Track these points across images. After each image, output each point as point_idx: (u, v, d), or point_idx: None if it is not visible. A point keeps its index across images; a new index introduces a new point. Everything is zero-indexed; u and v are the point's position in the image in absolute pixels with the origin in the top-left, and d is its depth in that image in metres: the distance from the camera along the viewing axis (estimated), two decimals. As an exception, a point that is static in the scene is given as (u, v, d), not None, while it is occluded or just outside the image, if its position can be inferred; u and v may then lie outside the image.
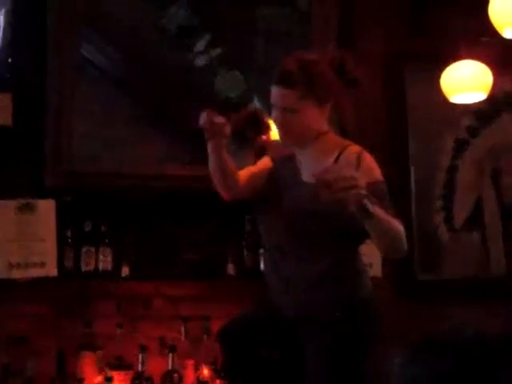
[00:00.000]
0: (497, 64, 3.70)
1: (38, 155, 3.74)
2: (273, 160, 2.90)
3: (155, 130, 3.97)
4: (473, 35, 3.72)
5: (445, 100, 3.74)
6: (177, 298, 3.80)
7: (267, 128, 2.89)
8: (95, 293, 3.72)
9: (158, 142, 3.96)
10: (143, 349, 3.61)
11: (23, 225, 3.63)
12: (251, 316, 2.93)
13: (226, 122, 2.71)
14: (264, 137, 3.03)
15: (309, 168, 2.69)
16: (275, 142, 3.05)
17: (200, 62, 4.06)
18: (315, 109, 2.65)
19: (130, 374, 3.60)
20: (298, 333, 2.71)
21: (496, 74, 3.65)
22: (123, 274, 3.74)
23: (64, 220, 3.69)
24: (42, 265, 3.62)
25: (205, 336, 3.74)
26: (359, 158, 2.61)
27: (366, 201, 2.30)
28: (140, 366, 3.60)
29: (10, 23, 3.75)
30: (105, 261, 3.72)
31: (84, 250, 3.70)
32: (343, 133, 2.78)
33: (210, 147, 2.75)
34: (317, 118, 2.67)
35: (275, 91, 2.67)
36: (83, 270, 3.69)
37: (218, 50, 4.08)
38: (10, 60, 3.76)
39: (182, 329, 3.73)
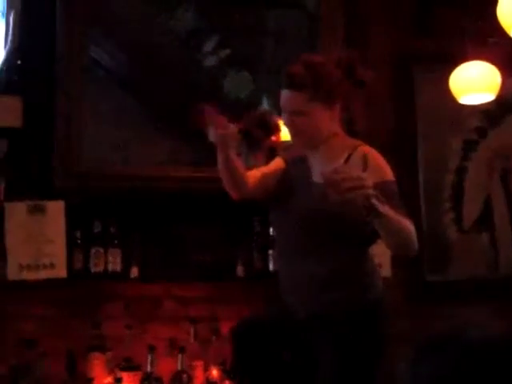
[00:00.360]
0: (505, 65, 3.70)
1: (47, 157, 3.75)
2: (285, 161, 2.91)
3: (164, 131, 3.98)
4: (481, 36, 3.72)
5: (453, 101, 3.73)
6: (186, 299, 3.80)
7: (277, 129, 2.90)
8: (104, 294, 3.73)
9: (167, 144, 3.96)
10: (152, 350, 3.62)
11: (33, 226, 3.64)
12: (264, 316, 2.93)
13: (236, 128, 2.73)
14: (274, 138, 3.04)
15: (320, 169, 2.68)
16: (286, 142, 3.06)
17: (208, 62, 4.06)
18: (324, 110, 2.66)
19: (139, 374, 3.61)
20: (309, 333, 2.71)
21: (504, 75, 3.64)
22: (132, 275, 3.75)
23: (73, 221, 3.70)
24: (52, 266, 3.64)
25: (214, 337, 3.75)
26: (368, 158, 2.61)
27: (374, 200, 2.31)
28: (149, 366, 3.61)
29: (19, 26, 3.76)
30: (114, 262, 3.73)
31: (93, 251, 3.71)
32: (353, 133, 2.79)
33: (218, 148, 2.76)
34: (326, 119, 2.68)
35: (283, 95, 2.70)
36: (92, 271, 3.70)
37: (227, 51, 4.08)
38: (19, 62, 3.77)
39: (192, 330, 3.74)
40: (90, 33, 3.91)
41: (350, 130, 2.79)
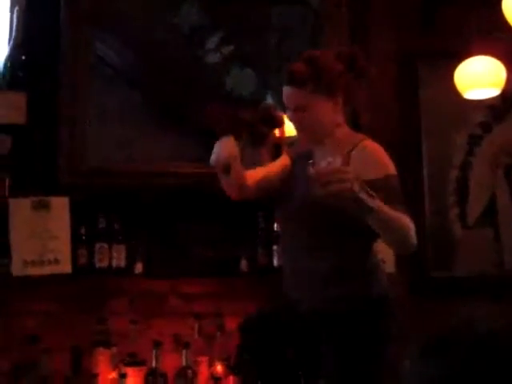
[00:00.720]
0: (510, 60, 3.69)
1: (51, 153, 3.76)
2: (290, 158, 2.92)
3: (168, 128, 3.98)
4: (486, 31, 3.71)
5: (458, 96, 3.73)
6: (190, 294, 3.81)
7: (281, 122, 2.90)
8: (109, 290, 3.74)
9: (171, 140, 3.97)
10: (157, 345, 3.62)
11: (37, 222, 3.64)
12: (269, 312, 2.93)
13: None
14: (279, 132, 3.04)
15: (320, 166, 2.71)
16: (291, 138, 3.06)
17: (212, 59, 4.06)
18: (327, 102, 2.67)
19: (144, 370, 3.62)
20: (312, 329, 2.71)
21: (510, 70, 3.63)
22: (136, 271, 3.75)
23: (78, 217, 3.70)
24: (56, 262, 3.64)
25: (218, 333, 3.75)
26: (367, 153, 2.62)
27: (360, 194, 2.31)
28: (154, 362, 3.61)
29: (23, 22, 3.76)
30: (118, 258, 3.73)
31: (97, 246, 3.71)
32: (357, 126, 2.79)
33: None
34: (330, 112, 2.69)
35: (285, 92, 2.72)
36: (97, 266, 3.70)
37: (231, 48, 4.08)
38: (23, 58, 3.77)
39: (196, 325, 3.74)
40: (94, 29, 3.91)
41: (354, 122, 2.80)
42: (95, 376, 3.54)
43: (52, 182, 3.73)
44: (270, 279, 3.64)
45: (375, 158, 2.61)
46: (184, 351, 3.64)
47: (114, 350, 3.63)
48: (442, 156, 4.25)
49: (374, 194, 2.35)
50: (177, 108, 4.02)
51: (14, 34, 3.76)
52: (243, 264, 3.85)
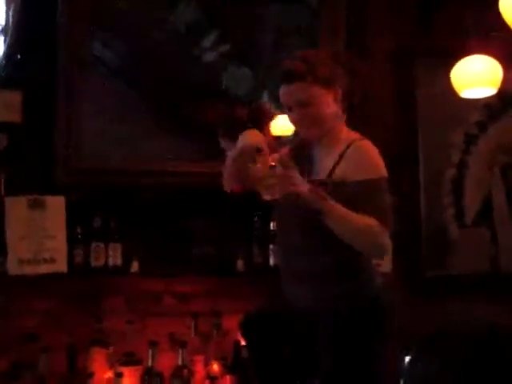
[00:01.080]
0: (507, 59, 3.69)
1: (47, 152, 3.75)
2: (291, 152, 2.91)
3: (164, 126, 3.98)
4: (483, 30, 3.71)
5: (454, 95, 3.73)
6: (186, 293, 3.81)
7: (272, 118, 2.91)
8: (105, 288, 3.73)
9: (167, 139, 3.96)
10: (153, 344, 3.62)
11: (33, 221, 3.64)
12: (267, 309, 2.93)
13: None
14: (269, 132, 3.05)
15: (318, 165, 2.75)
16: (285, 137, 3.07)
17: (208, 58, 4.06)
18: (326, 94, 2.68)
19: (140, 369, 3.62)
20: (309, 328, 2.72)
21: (506, 69, 3.63)
22: (132, 270, 3.75)
23: (74, 216, 3.70)
24: (52, 261, 3.63)
25: (214, 332, 3.75)
26: (355, 155, 2.64)
27: (307, 196, 2.45)
28: (150, 361, 3.61)
29: (18, 20, 3.75)
30: (114, 256, 3.73)
31: (93, 245, 3.70)
32: (351, 107, 2.79)
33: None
34: (331, 102, 2.70)
35: (285, 91, 2.71)
36: (93, 265, 3.69)
37: (227, 47, 4.08)
38: (19, 56, 3.76)
39: (192, 324, 3.74)
40: (90, 28, 3.90)
41: (350, 104, 2.80)
42: (91, 375, 3.54)
43: (48, 181, 3.73)
44: (266, 278, 3.64)
45: (363, 161, 2.62)
46: (180, 350, 3.63)
47: (111, 349, 3.63)
48: (439, 155, 4.25)
49: (326, 196, 2.46)
50: (173, 106, 4.02)
51: (9, 32, 3.75)
52: (239, 263, 3.85)
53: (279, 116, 3.22)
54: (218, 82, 4.06)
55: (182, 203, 3.81)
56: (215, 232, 3.87)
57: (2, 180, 3.65)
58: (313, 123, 2.70)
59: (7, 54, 3.74)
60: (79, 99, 3.82)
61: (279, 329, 2.81)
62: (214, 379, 3.62)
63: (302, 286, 2.73)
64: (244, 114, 3.00)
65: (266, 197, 2.53)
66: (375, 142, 2.70)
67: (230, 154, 2.84)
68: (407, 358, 1.01)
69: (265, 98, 4.02)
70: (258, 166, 2.54)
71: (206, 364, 3.70)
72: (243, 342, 3.58)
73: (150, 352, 3.61)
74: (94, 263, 3.70)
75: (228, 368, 3.66)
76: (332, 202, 2.48)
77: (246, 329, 2.92)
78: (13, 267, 3.58)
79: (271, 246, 3.82)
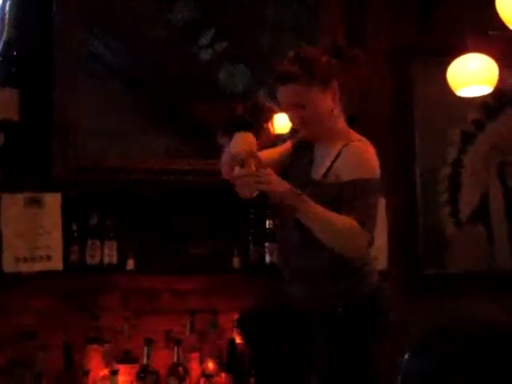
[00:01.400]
0: (503, 57, 3.69)
1: (44, 149, 3.75)
2: (293, 148, 2.92)
3: (161, 124, 3.97)
4: (480, 29, 3.71)
5: (451, 94, 3.73)
6: (182, 291, 3.80)
7: (272, 114, 2.92)
8: (101, 286, 3.73)
9: (163, 137, 3.96)
10: (149, 342, 3.62)
11: (30, 218, 3.64)
12: (266, 307, 2.94)
13: None
14: (270, 126, 3.05)
15: (316, 164, 2.76)
16: (282, 136, 3.07)
17: (205, 55, 4.05)
18: (322, 93, 2.67)
19: (136, 367, 3.62)
20: (306, 326, 2.72)
21: (502, 68, 3.63)
22: (128, 268, 3.75)
23: (70, 213, 3.69)
24: (48, 258, 3.63)
25: (210, 329, 3.75)
26: (349, 153, 2.64)
27: (279, 197, 2.52)
28: (145, 359, 3.61)
29: (15, 17, 3.75)
30: (110, 254, 3.72)
31: (89, 243, 3.70)
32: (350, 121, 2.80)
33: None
34: (329, 102, 2.69)
35: (280, 92, 2.71)
36: (88, 263, 3.69)
37: (224, 44, 4.07)
38: (15, 54, 3.75)
39: (188, 322, 3.74)
40: (87, 25, 3.89)
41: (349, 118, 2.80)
42: (87, 373, 3.54)
43: (44, 178, 3.72)
44: (262, 276, 3.64)
45: (355, 161, 2.63)
46: (176, 348, 3.63)
47: (107, 346, 3.62)
48: (435, 153, 4.25)
49: (302, 196, 2.51)
50: (170, 104, 4.01)
51: (6, 29, 3.74)
52: (235, 261, 3.85)
53: (278, 113, 3.23)
54: (215, 79, 4.06)
55: (179, 201, 3.80)
56: (211, 230, 3.87)
57: (-1, 177, 3.66)
58: (308, 124, 2.71)
59: (4, 51, 3.74)
60: (76, 97, 3.82)
61: (277, 327, 2.81)
62: (209, 377, 3.63)
63: (299, 285, 2.74)
64: (243, 110, 3.01)
65: (242, 195, 2.57)
66: (372, 141, 2.70)
67: (222, 157, 2.84)
68: (406, 356, 1.02)
69: (260, 95, 4.01)
70: (237, 167, 2.57)
71: (202, 362, 3.70)
72: (238, 340, 3.59)
73: (146, 350, 3.61)
74: (89, 261, 3.69)
75: (223, 366, 3.66)
76: (309, 202, 2.51)
77: (243, 326, 2.93)
78: (8, 265, 3.58)
79: (267, 244, 3.82)
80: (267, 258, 3.82)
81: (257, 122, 2.91)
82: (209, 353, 3.71)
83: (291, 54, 2.70)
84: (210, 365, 3.67)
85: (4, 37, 3.72)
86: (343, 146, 2.66)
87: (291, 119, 2.76)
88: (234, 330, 3.64)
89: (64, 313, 3.65)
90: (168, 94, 4.02)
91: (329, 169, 2.66)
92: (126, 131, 3.90)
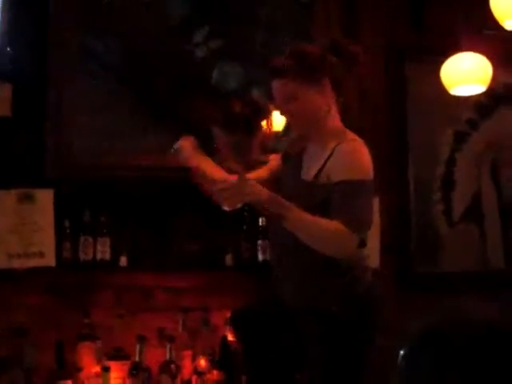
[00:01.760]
0: (497, 56, 3.70)
1: (38, 145, 3.74)
2: (282, 157, 2.94)
3: (155, 121, 3.97)
4: (474, 28, 3.72)
5: (445, 93, 3.73)
6: (175, 288, 3.80)
7: (268, 112, 2.93)
8: (93, 283, 3.72)
9: (157, 134, 3.95)
10: (141, 339, 3.61)
11: (22, 214, 3.63)
12: (258, 305, 2.94)
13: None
14: (266, 124, 3.06)
15: (307, 165, 2.77)
16: (278, 132, 3.08)
17: (199, 53, 4.05)
18: (314, 88, 2.68)
19: (128, 364, 3.61)
20: (299, 324, 2.72)
21: (496, 67, 3.64)
22: (121, 264, 3.74)
23: (62, 210, 3.68)
24: (41, 255, 3.62)
25: (203, 327, 3.74)
26: (341, 153, 2.64)
27: (267, 204, 2.55)
28: (138, 356, 3.60)
29: (8, 11, 3.73)
30: (103, 251, 3.71)
31: (82, 239, 3.69)
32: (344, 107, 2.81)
33: None
34: (318, 96, 2.70)
35: (273, 87, 2.73)
36: (81, 259, 3.68)
37: (218, 42, 4.07)
38: (8, 49, 3.74)
39: (180, 320, 3.74)
40: (81, 21, 3.88)
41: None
42: (79, 369, 3.53)
43: (37, 175, 3.71)
44: (255, 274, 3.64)
45: (346, 161, 2.63)
46: (168, 345, 3.63)
47: (99, 343, 3.62)
48: (428, 152, 4.25)
49: (285, 203, 2.53)
50: (165, 101, 4.01)
51: (0, 25, 3.73)
52: (228, 258, 3.84)
53: (274, 111, 3.25)
54: (210, 77, 4.06)
55: (172, 198, 3.80)
56: (204, 227, 3.87)
57: (-9, 173, 3.64)
58: (298, 117, 2.72)
59: (-4, 46, 3.73)
60: (69, 93, 3.81)
61: (269, 324, 2.81)
62: (201, 374, 3.62)
63: (292, 284, 2.74)
64: (241, 108, 3.02)
65: (225, 208, 2.61)
66: (366, 140, 2.70)
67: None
68: (403, 354, 1.02)
69: (255, 93, 4.01)
70: (215, 179, 2.60)
71: (194, 359, 3.70)
72: (231, 338, 3.59)
73: (138, 347, 3.61)
74: (82, 257, 3.68)
75: (215, 363, 3.66)
76: (294, 209, 2.53)
77: (236, 324, 2.93)
78: (1, 261, 3.57)
79: (260, 242, 3.82)
80: (260, 256, 3.81)
81: (256, 119, 2.92)
82: (201, 350, 3.71)
83: (288, 49, 2.72)
84: (202, 362, 3.67)
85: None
86: (337, 145, 2.66)
87: (283, 113, 2.78)
88: (227, 327, 3.64)
89: (56, 309, 3.64)
90: (162, 92, 4.01)
91: (321, 169, 2.66)
92: (119, 128, 3.90)
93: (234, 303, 3.05)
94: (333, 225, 2.50)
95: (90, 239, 3.69)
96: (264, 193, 2.56)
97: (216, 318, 3.74)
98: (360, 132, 2.76)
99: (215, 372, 3.63)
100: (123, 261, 3.74)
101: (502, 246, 4.25)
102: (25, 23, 3.76)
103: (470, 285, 4.05)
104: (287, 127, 2.99)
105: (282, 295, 2.77)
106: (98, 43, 3.95)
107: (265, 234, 3.75)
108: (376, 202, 3.72)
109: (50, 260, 3.62)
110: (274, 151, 3.65)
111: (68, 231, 3.69)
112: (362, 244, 2.59)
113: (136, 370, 3.60)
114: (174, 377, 3.62)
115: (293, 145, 2.91)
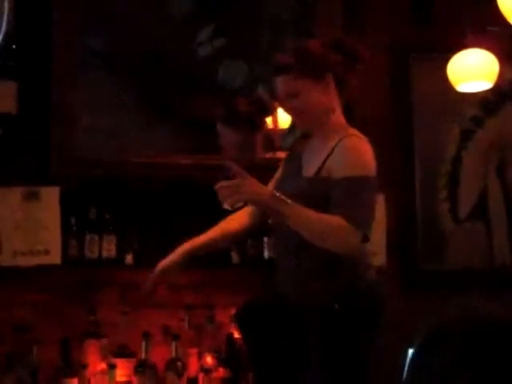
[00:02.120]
0: (503, 53, 3.69)
1: (43, 143, 3.74)
2: (284, 161, 2.94)
3: (160, 119, 3.97)
4: (480, 24, 3.71)
5: (451, 90, 3.72)
6: (180, 286, 3.79)
7: (273, 110, 2.93)
8: (99, 280, 3.72)
9: (162, 131, 3.96)
10: (147, 336, 3.61)
11: (28, 212, 3.63)
12: (262, 302, 2.94)
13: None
14: (271, 121, 3.06)
15: (308, 162, 2.75)
16: (283, 130, 3.08)
17: (204, 51, 4.05)
18: (315, 85, 2.68)
19: (134, 361, 3.61)
20: (302, 322, 2.72)
21: (502, 63, 3.63)
22: (127, 262, 3.74)
23: (68, 207, 3.68)
24: (47, 252, 3.62)
25: (208, 324, 3.74)
26: (342, 149, 2.63)
27: (270, 203, 2.53)
28: (143, 353, 3.60)
29: (14, 10, 3.73)
30: (108, 248, 3.71)
31: (88, 237, 3.69)
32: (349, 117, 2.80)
33: None
34: (320, 93, 2.70)
35: (275, 83, 2.73)
36: (87, 257, 3.68)
37: (222, 40, 4.07)
38: (14, 46, 3.74)
39: (186, 317, 3.73)
40: (86, 19, 3.89)
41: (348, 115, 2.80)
42: (84, 367, 3.53)
43: (43, 172, 3.71)
44: (261, 271, 3.64)
45: (348, 157, 2.62)
46: (174, 343, 3.63)
47: (104, 341, 3.62)
48: (434, 150, 4.24)
49: (287, 201, 2.50)
50: (170, 99, 4.01)
51: (4, 22, 3.73)
52: (234, 255, 3.84)
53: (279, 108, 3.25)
54: (214, 75, 4.06)
55: (178, 195, 3.79)
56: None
57: (-4, 171, 3.65)
58: (300, 114, 2.72)
59: (2, 44, 3.72)
60: (75, 89, 3.81)
61: (274, 322, 2.81)
62: (207, 372, 3.62)
63: (295, 282, 2.74)
64: (247, 106, 3.02)
65: (226, 206, 2.61)
66: (370, 138, 2.69)
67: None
68: (412, 351, 1.01)
69: (260, 90, 4.01)
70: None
71: (200, 356, 3.69)
72: (237, 335, 3.59)
73: (144, 344, 3.60)
74: (88, 255, 3.68)
75: (221, 360, 3.65)
76: (295, 206, 2.51)
77: (241, 321, 2.93)
78: (6, 259, 3.57)
79: (265, 239, 3.82)
80: (266, 253, 3.81)
81: (260, 117, 2.92)
82: (207, 348, 3.70)
83: (291, 45, 2.74)
84: (209, 359, 3.67)
85: (3, 29, 3.71)
86: (339, 141, 2.66)
87: (286, 110, 2.78)
88: (232, 324, 3.64)
89: (62, 307, 3.64)
90: (167, 90, 4.01)
91: (322, 165, 2.66)
92: (125, 126, 3.90)
93: (239, 300, 3.04)
94: (335, 220, 2.50)
95: (96, 237, 3.69)
96: (265, 191, 2.56)
97: (221, 315, 3.74)
98: (365, 130, 2.75)
99: (221, 369, 3.63)
100: (129, 259, 3.74)
101: (508, 243, 4.24)
102: (29, 21, 3.76)
103: (476, 283, 4.04)
104: (293, 125, 2.99)
105: (285, 293, 2.77)
106: (102, 42, 3.96)
107: (271, 231, 3.74)
108: (381, 199, 3.72)
109: (56, 258, 3.62)
110: (280, 149, 3.67)
111: (74, 229, 3.69)
112: (366, 239, 2.58)
113: (142, 367, 3.59)
114: (180, 374, 3.61)
115: (298, 143, 2.92)
